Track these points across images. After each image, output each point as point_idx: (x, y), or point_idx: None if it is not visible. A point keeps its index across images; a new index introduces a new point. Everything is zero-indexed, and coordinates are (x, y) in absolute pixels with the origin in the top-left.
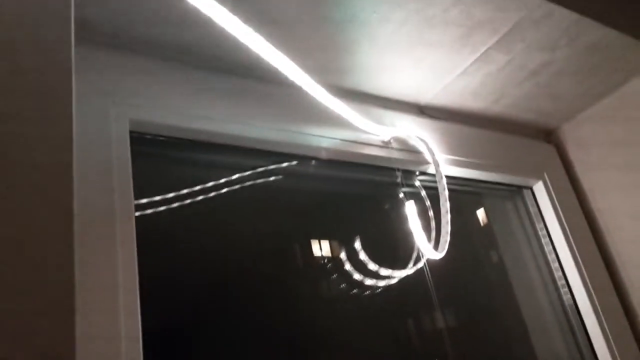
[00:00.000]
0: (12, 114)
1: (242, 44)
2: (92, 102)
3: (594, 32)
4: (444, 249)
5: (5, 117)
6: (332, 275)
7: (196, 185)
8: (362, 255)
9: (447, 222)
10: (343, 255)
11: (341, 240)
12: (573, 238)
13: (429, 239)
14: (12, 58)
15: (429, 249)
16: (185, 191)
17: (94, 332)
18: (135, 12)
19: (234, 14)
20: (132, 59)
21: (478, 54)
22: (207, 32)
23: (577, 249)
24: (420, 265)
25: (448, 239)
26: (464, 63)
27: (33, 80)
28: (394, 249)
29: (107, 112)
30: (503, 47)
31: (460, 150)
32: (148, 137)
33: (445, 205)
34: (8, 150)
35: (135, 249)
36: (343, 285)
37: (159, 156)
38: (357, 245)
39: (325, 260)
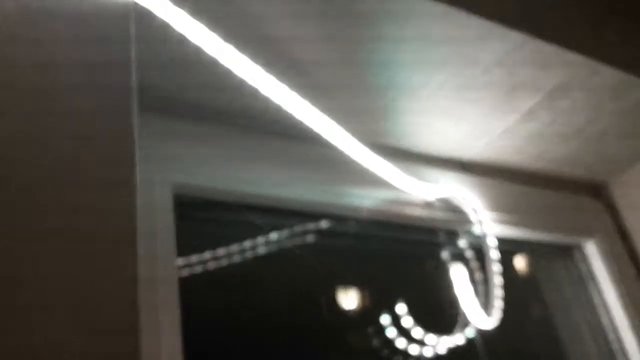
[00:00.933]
0: (79, 181)
1: (285, 107)
2: None
3: None
4: (495, 315)
5: (72, 184)
6: (372, 340)
7: (235, 244)
8: (406, 321)
9: (497, 286)
10: (385, 320)
11: (381, 302)
12: (631, 302)
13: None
14: (76, 124)
15: (479, 317)
16: (223, 251)
17: None
18: (177, 76)
19: (279, 79)
20: (174, 122)
21: (521, 113)
22: (249, 98)
23: (636, 313)
24: (470, 334)
25: (499, 304)
26: (506, 121)
27: (98, 147)
28: (438, 314)
29: (150, 177)
30: (547, 105)
31: (505, 207)
32: (188, 199)
33: (494, 267)
34: (75, 218)
35: (179, 315)
36: (385, 352)
37: (199, 218)
38: (400, 309)
39: (363, 322)
